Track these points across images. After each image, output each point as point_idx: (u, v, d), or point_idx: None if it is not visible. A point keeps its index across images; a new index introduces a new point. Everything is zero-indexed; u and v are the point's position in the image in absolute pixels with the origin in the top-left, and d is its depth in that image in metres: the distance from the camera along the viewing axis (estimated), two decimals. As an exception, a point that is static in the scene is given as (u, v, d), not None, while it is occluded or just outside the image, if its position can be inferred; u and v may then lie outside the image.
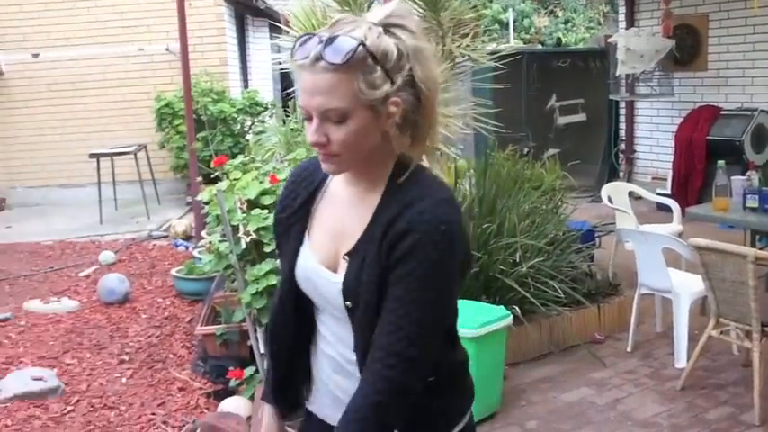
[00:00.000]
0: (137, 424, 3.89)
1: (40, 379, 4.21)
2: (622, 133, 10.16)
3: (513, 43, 14.57)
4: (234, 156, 5.55)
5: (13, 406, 4.02)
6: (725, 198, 5.07)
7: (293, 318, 1.69)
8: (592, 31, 18.83)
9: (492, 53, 5.44)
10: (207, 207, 4.45)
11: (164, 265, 6.76)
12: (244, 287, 4.02)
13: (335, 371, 1.62)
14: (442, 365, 1.59)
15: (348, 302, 1.52)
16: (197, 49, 9.13)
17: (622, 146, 10.14)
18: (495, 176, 5.15)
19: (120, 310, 5.57)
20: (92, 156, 8.90)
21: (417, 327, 1.44)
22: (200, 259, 5.63)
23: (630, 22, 9.73)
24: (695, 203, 7.05)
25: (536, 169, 6.13)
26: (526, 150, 8.01)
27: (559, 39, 17.45)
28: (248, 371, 4.04)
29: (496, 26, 18.22)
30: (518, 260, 4.66)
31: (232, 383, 4.08)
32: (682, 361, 4.40)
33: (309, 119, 1.47)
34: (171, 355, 4.76)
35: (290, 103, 7.10)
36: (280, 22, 7.37)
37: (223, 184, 4.31)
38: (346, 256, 1.53)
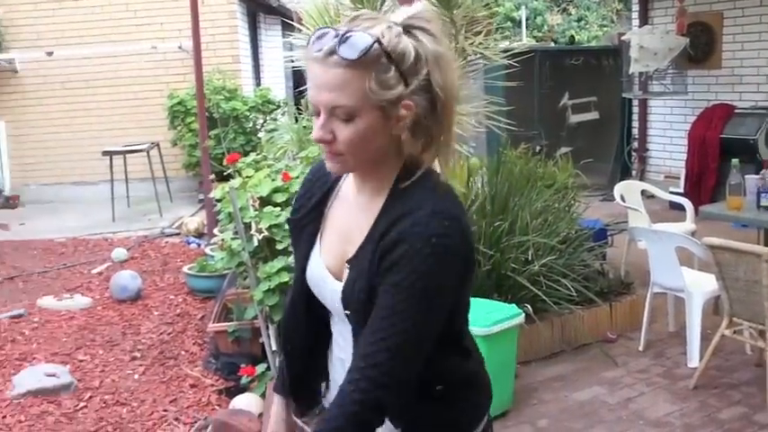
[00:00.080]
0: (149, 420, 3.90)
1: (53, 375, 4.23)
2: (635, 131, 10.11)
3: (525, 41, 14.50)
4: (246, 153, 5.55)
5: (27, 402, 4.05)
6: (738, 197, 5.04)
7: (305, 320, 1.68)
8: (605, 28, 18.74)
9: (504, 51, 5.43)
10: (219, 204, 4.46)
11: (176, 262, 6.79)
12: (256, 284, 4.03)
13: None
14: (453, 374, 1.56)
15: (347, 311, 1.50)
16: (209, 46, 9.16)
17: (635, 144, 10.09)
18: (508, 174, 5.14)
19: (132, 307, 5.60)
20: (105, 153, 8.96)
21: (401, 339, 1.38)
22: (212, 256, 5.65)
23: (644, 19, 9.67)
24: (708, 202, 7.01)
25: (548, 167, 6.10)
26: (538, 148, 7.99)
27: (572, 37, 17.36)
28: (260, 368, 4.05)
29: (509, 24, 18.16)
30: (530, 258, 4.65)
31: (244, 380, 4.08)
32: (694, 360, 4.38)
33: (317, 114, 1.43)
34: (183, 352, 4.77)
35: (302, 100, 7.10)
36: (292, 20, 7.37)
37: (235, 182, 4.32)
38: (347, 264, 1.50)
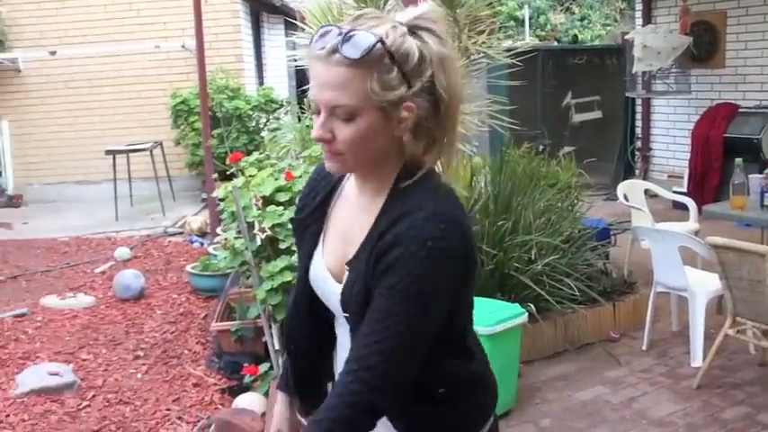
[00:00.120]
0: (152, 419, 3.91)
1: (57, 374, 4.24)
2: (638, 131, 10.10)
3: (528, 40, 14.50)
4: (249, 153, 5.55)
5: (30, 401, 4.05)
6: (742, 196, 5.03)
7: (307, 320, 1.67)
8: (608, 27, 18.73)
9: (508, 50, 5.42)
10: (222, 204, 4.47)
11: (179, 261, 6.79)
12: (259, 284, 4.03)
13: None
14: (455, 376, 1.55)
15: (346, 313, 1.49)
16: (212, 46, 9.17)
17: (638, 143, 10.08)
18: (511, 174, 5.14)
19: (135, 306, 5.61)
20: (108, 152, 8.97)
21: (395, 342, 1.37)
22: (215, 256, 5.66)
23: (647, 18, 9.66)
24: (712, 201, 7.00)
25: (551, 167, 6.10)
26: (541, 148, 7.98)
27: (575, 36, 17.37)
28: (263, 367, 4.05)
29: (512, 23, 18.15)
30: (533, 258, 4.65)
31: (247, 380, 4.09)
32: (697, 360, 4.38)
33: (318, 112, 1.42)
34: (186, 352, 4.78)
35: (305, 99, 7.11)
36: (295, 19, 7.38)
37: (238, 181, 4.32)
38: (347, 266, 1.49)
